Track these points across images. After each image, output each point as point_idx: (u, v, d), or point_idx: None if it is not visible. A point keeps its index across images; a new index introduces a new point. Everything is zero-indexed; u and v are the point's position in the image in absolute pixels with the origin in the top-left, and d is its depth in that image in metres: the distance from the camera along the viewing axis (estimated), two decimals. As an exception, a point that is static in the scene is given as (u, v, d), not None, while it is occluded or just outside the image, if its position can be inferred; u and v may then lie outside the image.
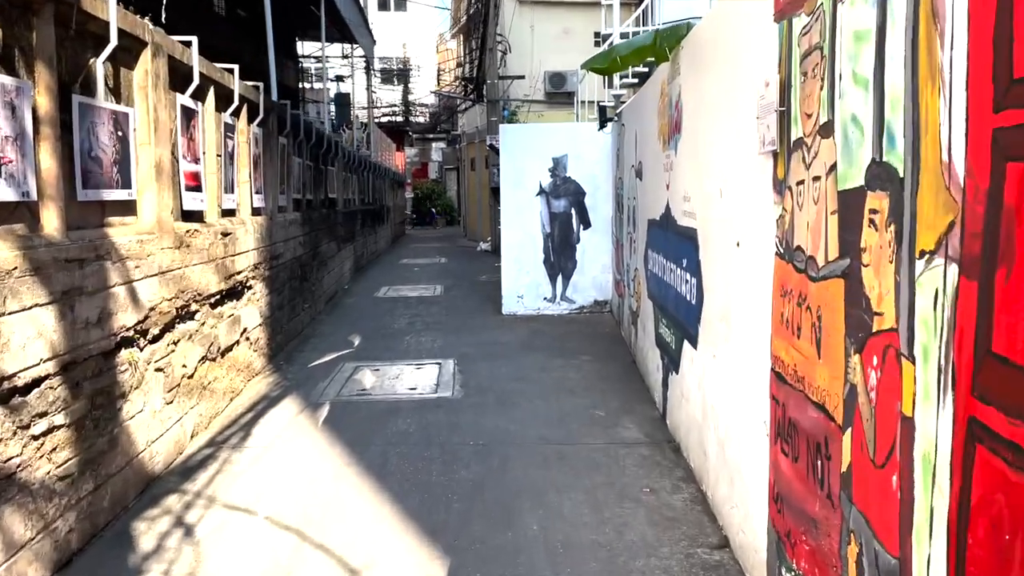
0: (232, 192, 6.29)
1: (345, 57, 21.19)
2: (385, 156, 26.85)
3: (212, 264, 5.58)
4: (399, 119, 35.83)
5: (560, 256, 10.62)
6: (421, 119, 36.51)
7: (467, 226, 27.06)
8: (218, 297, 5.79)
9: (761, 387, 3.24)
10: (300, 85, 22.97)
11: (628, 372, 7.27)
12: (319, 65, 34.70)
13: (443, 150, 35.82)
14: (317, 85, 33.25)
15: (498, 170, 20.73)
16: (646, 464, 4.91)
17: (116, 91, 4.26)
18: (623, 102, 10.66)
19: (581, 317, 10.37)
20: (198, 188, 5.31)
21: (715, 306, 4.14)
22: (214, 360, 5.74)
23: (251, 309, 6.85)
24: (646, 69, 12.80)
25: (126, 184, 4.23)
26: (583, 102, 17.11)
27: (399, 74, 36.69)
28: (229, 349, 6.17)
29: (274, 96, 9.16)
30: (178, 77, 5.11)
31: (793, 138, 2.87)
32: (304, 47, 23.11)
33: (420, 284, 14.16)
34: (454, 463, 4.98)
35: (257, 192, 7.09)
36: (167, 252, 4.70)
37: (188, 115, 5.18)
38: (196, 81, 5.14)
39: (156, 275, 4.52)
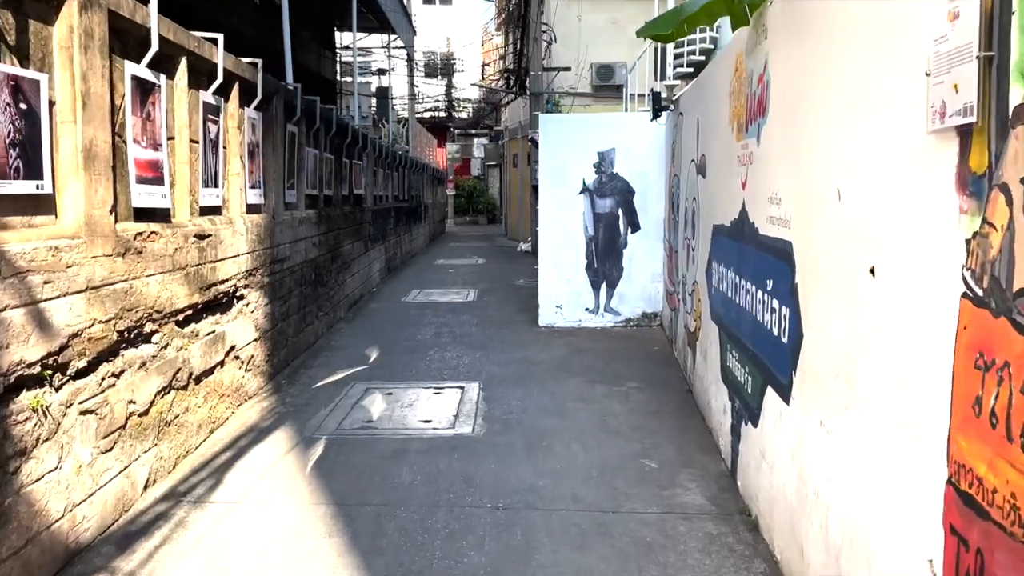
0: (216, 186, 5.25)
1: (384, 48, 20.27)
2: (425, 152, 25.93)
3: (180, 273, 4.55)
4: (442, 114, 34.93)
5: (605, 262, 9.42)
6: (464, 115, 35.57)
7: (508, 225, 25.98)
8: (190, 313, 4.76)
9: (925, 503, 2.03)
10: (338, 78, 22.12)
11: (684, 406, 6.05)
12: (363, 59, 33.96)
13: (485, 146, 34.79)
14: (360, 79, 32.53)
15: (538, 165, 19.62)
16: (715, 549, 3.71)
17: (24, 52, 3.23)
18: (674, 97, 9.37)
19: (627, 332, 9.15)
20: (158, 180, 4.28)
21: (825, 353, 2.92)
22: (184, 388, 4.71)
23: (242, 323, 5.82)
24: (703, 58, 11.57)
25: (35, 173, 3.19)
26: (632, 95, 15.82)
27: (443, 69, 35.79)
28: (209, 372, 5.15)
29: (289, 79, 8.16)
30: (131, 41, 4.07)
31: (1014, 102, 1.66)
32: (343, 39, 22.26)
33: (453, 288, 13.08)
34: (464, 537, 3.85)
35: (253, 187, 6.06)
36: (102, 262, 3.66)
37: (145, 89, 4.14)
38: (155, 47, 4.10)
39: (82, 292, 3.48)
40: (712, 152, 5.61)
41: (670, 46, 13.07)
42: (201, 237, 4.87)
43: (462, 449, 5.10)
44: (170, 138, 4.52)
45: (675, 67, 12.25)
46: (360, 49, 23.39)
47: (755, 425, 4.03)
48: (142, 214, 4.24)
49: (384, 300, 11.72)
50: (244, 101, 5.89)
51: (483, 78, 34.17)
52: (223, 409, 5.47)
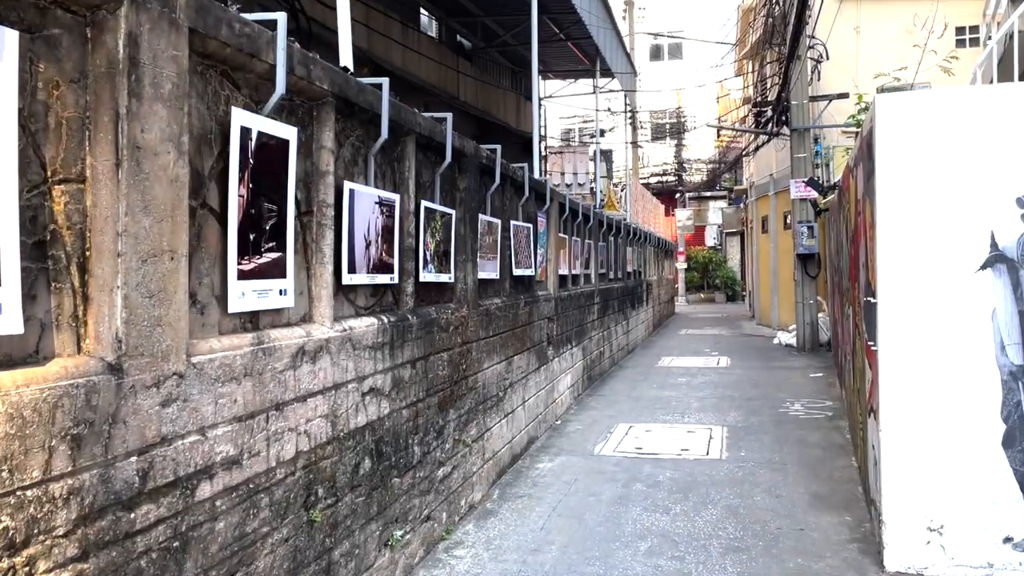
0: None
1: (593, 93, 15.94)
2: (650, 220, 21.06)
3: None
4: (670, 179, 30.00)
5: (1057, 431, 3.80)
6: (696, 178, 30.34)
7: (756, 306, 20.05)
8: None
9: None
10: (541, 132, 18.19)
11: None
12: (585, 124, 30.22)
13: (723, 210, 29.08)
14: (575, 141, 28.74)
15: (808, 229, 13.81)
16: None
17: None
18: None
19: None
20: None
21: None
22: None
23: None
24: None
25: None
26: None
27: (672, 129, 31.02)
28: None
29: (346, 62, 3.83)
30: None
31: None
32: (547, 87, 18.40)
33: (684, 420, 7.88)
34: None
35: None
36: None
37: None
38: None
39: None
40: None
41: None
42: None
43: None
44: None
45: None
46: (569, 96, 19.39)
47: None
48: None
49: (566, 451, 6.82)
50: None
51: (719, 135, 28.85)
52: None
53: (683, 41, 29.86)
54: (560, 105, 22.08)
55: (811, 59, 13.29)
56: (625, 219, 14.96)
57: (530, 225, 6.90)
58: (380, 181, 3.90)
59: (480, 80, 14.43)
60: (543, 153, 19.12)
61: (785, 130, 13.85)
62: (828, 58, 13.38)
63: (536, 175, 7.85)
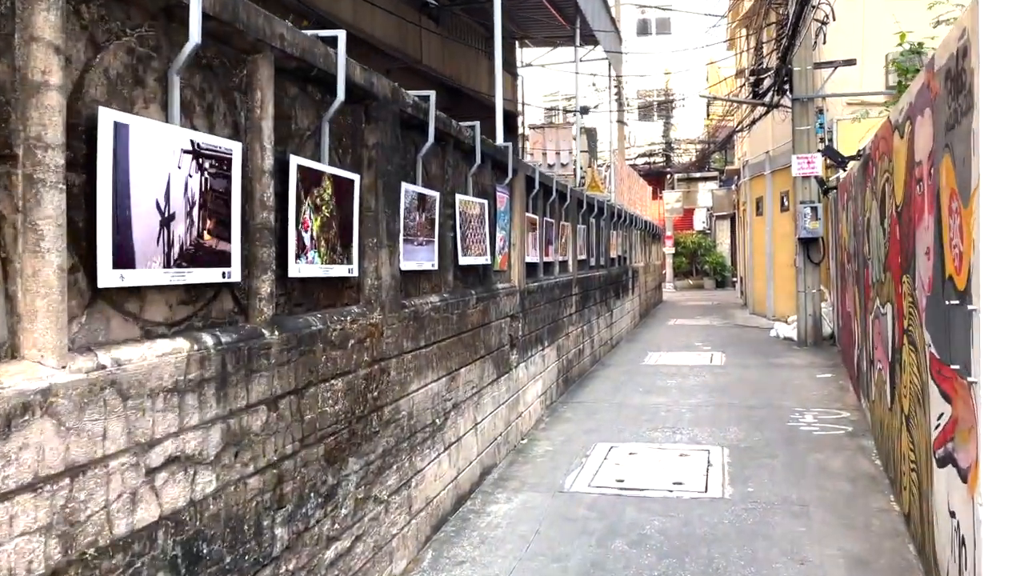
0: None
1: (574, 61, 14.37)
2: (635, 201, 19.63)
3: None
4: (658, 160, 28.53)
5: None
6: (685, 159, 28.88)
7: (749, 294, 18.69)
8: None
9: None
10: (520, 107, 16.67)
11: None
12: (568, 102, 28.64)
13: (713, 192, 27.64)
14: (556, 117, 27.18)
15: (812, 210, 12.36)
16: None
17: None
18: None
19: None
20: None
21: None
22: None
23: None
24: None
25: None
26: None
27: (660, 107, 29.49)
28: None
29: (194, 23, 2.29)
30: None
31: None
32: (525, 55, 16.81)
33: (674, 440, 6.46)
34: None
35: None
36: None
37: None
38: None
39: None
40: None
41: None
42: None
43: None
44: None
45: None
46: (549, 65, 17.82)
47: None
48: None
49: (530, 485, 5.37)
50: None
51: (708, 113, 27.39)
52: None
53: (672, 15, 28.29)
54: (541, 77, 20.53)
55: (816, 20, 11.81)
56: (609, 200, 13.52)
57: (485, 201, 5.43)
58: (201, 118, 2.42)
59: (449, 42, 12.87)
60: (522, 131, 17.62)
61: (785, 100, 12.41)
62: (835, 19, 11.91)
63: (500, 141, 6.37)
